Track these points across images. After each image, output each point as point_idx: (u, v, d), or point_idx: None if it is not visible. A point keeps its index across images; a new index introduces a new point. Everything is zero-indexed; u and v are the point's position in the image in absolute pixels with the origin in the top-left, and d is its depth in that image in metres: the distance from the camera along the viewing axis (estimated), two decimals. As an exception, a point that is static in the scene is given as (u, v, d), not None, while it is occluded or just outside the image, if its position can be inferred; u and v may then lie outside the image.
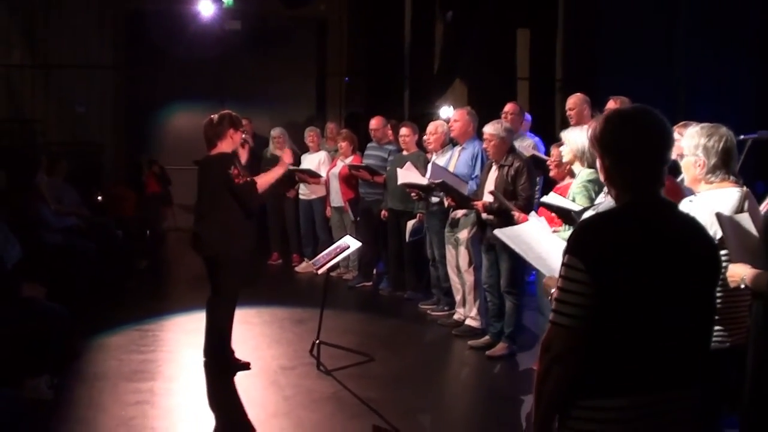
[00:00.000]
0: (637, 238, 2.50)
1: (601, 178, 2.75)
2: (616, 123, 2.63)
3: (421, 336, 8.23)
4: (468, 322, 8.09)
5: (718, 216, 3.61)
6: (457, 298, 8.34)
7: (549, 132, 13.06)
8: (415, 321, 8.69)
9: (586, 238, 2.53)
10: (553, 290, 3.52)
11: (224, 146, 6.67)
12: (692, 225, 2.67)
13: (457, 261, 8.13)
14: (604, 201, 3.62)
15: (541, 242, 4.41)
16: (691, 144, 4.03)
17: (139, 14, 14.17)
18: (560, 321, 2.51)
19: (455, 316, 8.37)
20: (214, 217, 6.59)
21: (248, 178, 6.64)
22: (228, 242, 6.58)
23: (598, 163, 2.75)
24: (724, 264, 3.67)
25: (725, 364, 3.86)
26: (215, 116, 6.75)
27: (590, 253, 2.47)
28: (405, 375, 6.92)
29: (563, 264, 2.53)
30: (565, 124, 9.01)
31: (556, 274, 3.80)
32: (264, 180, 6.83)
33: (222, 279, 6.67)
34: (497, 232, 4.89)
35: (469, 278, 8.04)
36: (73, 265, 8.73)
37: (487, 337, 7.56)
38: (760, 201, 4.74)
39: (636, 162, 2.58)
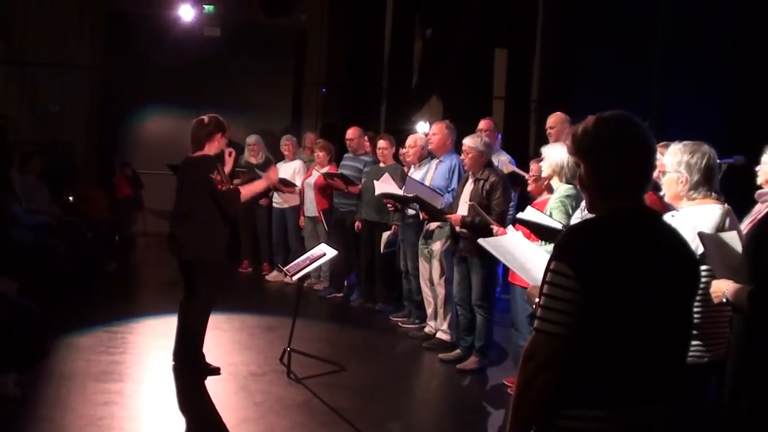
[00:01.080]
0: (626, 245, 2.49)
1: (579, 185, 2.73)
2: (600, 126, 2.60)
3: (391, 348, 8.22)
4: (439, 335, 8.10)
5: (701, 235, 3.65)
6: (429, 311, 8.36)
7: (522, 151, 13.19)
8: (386, 333, 8.68)
9: (574, 244, 2.51)
10: (537, 299, 3.55)
11: (210, 148, 6.65)
12: (675, 236, 2.67)
13: (430, 274, 8.15)
14: (583, 216, 3.65)
15: (524, 252, 4.43)
16: (673, 161, 4.08)
17: (119, 15, 14.10)
18: (546, 328, 2.47)
19: (426, 329, 8.38)
20: (194, 219, 6.56)
21: (232, 186, 6.62)
22: (207, 246, 6.56)
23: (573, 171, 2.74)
24: (705, 279, 3.71)
25: (704, 378, 3.90)
26: (205, 117, 6.73)
27: (579, 259, 2.45)
28: (375, 385, 6.90)
29: (550, 270, 2.50)
30: (539, 144, 9.08)
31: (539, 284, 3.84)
32: (248, 190, 6.83)
33: (200, 283, 6.63)
34: (481, 241, 4.91)
35: (441, 291, 8.06)
36: (42, 262, 8.64)
37: (458, 351, 7.56)
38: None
39: (621, 165, 2.56)
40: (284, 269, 7.36)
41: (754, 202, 4.91)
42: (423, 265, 8.26)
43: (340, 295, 10.17)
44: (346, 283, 10.31)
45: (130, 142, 14.75)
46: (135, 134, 14.89)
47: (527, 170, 6.90)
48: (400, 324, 8.84)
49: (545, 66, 14.38)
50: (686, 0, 11.98)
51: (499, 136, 9.78)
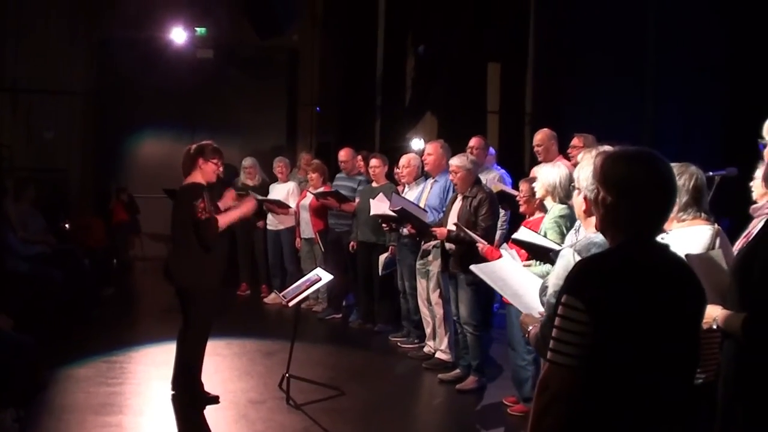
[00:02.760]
0: (635, 279, 2.54)
1: (594, 207, 2.77)
2: (627, 160, 2.65)
3: (391, 369, 8.20)
4: (438, 355, 8.09)
5: (687, 257, 3.63)
6: (428, 330, 8.35)
7: (518, 165, 13.19)
8: (386, 353, 8.67)
9: (585, 278, 2.56)
10: (530, 328, 3.54)
11: (196, 176, 6.63)
12: (682, 266, 2.72)
13: (428, 293, 8.15)
14: (580, 239, 3.63)
15: (516, 278, 4.43)
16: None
17: (111, 41, 14.14)
18: (559, 360, 2.53)
19: (425, 349, 8.37)
20: (185, 247, 6.54)
21: (210, 215, 6.55)
22: (199, 273, 6.53)
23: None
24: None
25: (697, 400, 3.88)
26: (191, 146, 6.74)
27: (589, 293, 2.50)
28: (375, 409, 6.88)
29: (562, 303, 2.56)
30: (535, 157, 9.10)
31: (533, 311, 3.84)
32: (226, 219, 6.71)
33: (193, 310, 6.62)
34: (473, 268, 4.90)
35: (439, 311, 8.05)
36: (39, 293, 8.62)
37: (457, 371, 7.55)
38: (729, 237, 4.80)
39: (644, 202, 2.61)
40: (281, 295, 7.33)
41: (747, 215, 4.88)
42: (420, 285, 8.25)
43: (339, 316, 10.16)
44: (344, 303, 10.30)
45: (125, 167, 14.76)
46: (130, 159, 14.90)
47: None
48: (399, 344, 8.84)
49: (538, 79, 14.41)
50: (678, 11, 11.98)
51: (492, 151, 9.82)
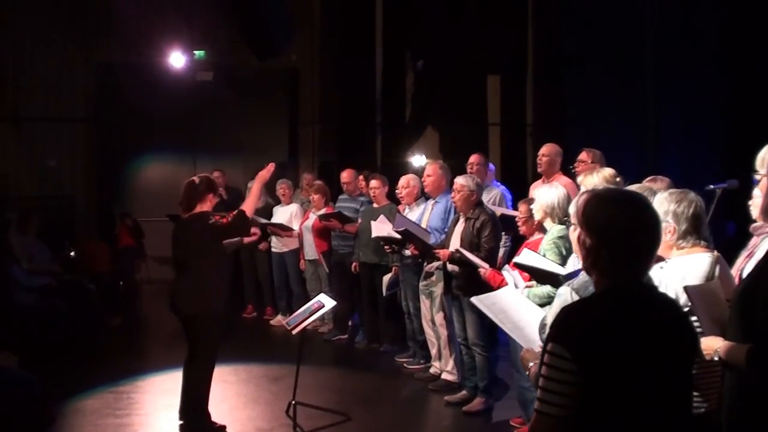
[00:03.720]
0: (622, 325, 2.50)
1: (579, 256, 2.75)
2: (609, 204, 2.62)
3: (397, 391, 8.21)
4: (444, 376, 8.09)
5: (686, 289, 3.63)
6: (433, 351, 8.35)
7: (520, 177, 13.21)
8: (392, 375, 8.67)
9: (571, 325, 2.52)
10: (531, 364, 3.54)
11: (200, 208, 6.68)
12: (672, 307, 2.71)
13: (432, 314, 8.15)
14: (578, 278, 3.64)
15: (518, 310, 4.42)
16: (660, 210, 4.05)
17: (110, 67, 14.20)
18: (546, 410, 2.50)
19: (431, 370, 8.37)
20: (191, 275, 6.57)
21: (233, 213, 6.66)
22: (204, 302, 6.55)
23: (574, 236, 2.74)
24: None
25: (702, 429, 3.87)
26: (196, 178, 6.76)
27: (575, 341, 2.47)
28: (382, 434, 6.90)
29: (547, 351, 2.52)
30: (536, 169, 9.10)
31: (534, 346, 3.84)
32: (250, 201, 6.82)
33: (199, 339, 6.63)
34: (474, 300, 4.91)
35: (444, 332, 8.05)
36: (45, 326, 8.65)
37: (464, 392, 7.55)
38: (733, 244, 4.79)
39: (625, 247, 2.58)
40: (285, 322, 7.34)
41: (748, 229, 4.86)
42: (424, 305, 8.26)
43: (345, 336, 10.18)
44: (350, 323, 10.31)
45: (128, 191, 14.83)
46: (133, 183, 14.97)
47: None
48: (405, 365, 8.84)
49: (538, 90, 14.43)
50: (677, 21, 12.01)
51: (492, 167, 9.82)
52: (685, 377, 2.67)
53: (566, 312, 2.60)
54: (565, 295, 3.48)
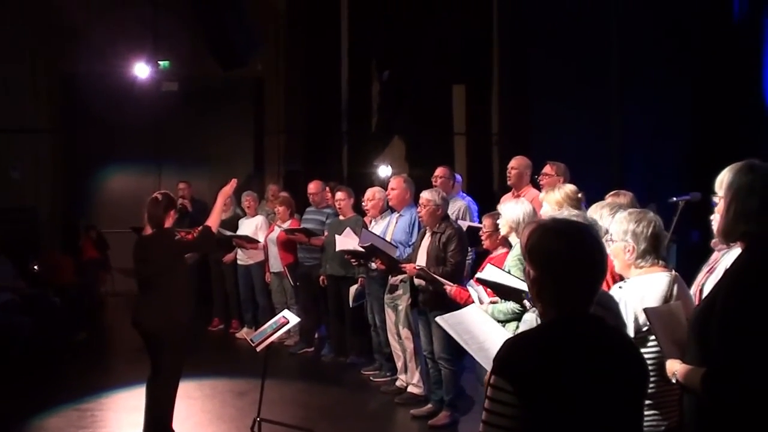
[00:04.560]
0: (566, 357, 2.47)
1: (527, 287, 2.75)
2: (552, 236, 2.60)
3: (363, 405, 8.18)
4: (410, 389, 8.09)
5: (646, 311, 3.66)
6: (399, 364, 8.35)
7: (486, 186, 13.27)
8: (358, 389, 8.65)
9: (513, 358, 2.49)
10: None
11: (166, 225, 6.65)
12: (620, 338, 2.69)
13: (397, 327, 8.15)
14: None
15: (483, 330, 4.42)
16: (619, 229, 4.08)
17: (74, 77, 14.09)
18: None
19: (397, 383, 8.36)
20: (156, 293, 6.52)
21: (198, 229, 6.69)
22: (170, 319, 6.51)
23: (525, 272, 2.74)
24: (656, 350, 3.72)
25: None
26: (158, 195, 6.72)
27: (517, 374, 2.44)
28: (347, 450, 6.89)
29: (490, 384, 2.48)
30: (502, 178, 9.14)
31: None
32: (213, 218, 6.82)
33: (164, 357, 6.58)
34: (439, 319, 4.91)
35: (409, 345, 8.05)
36: (7, 343, 8.55)
37: (429, 406, 7.55)
38: (696, 253, 4.82)
39: (570, 279, 2.56)
40: (249, 339, 7.30)
41: (710, 239, 4.88)
42: (389, 318, 8.25)
43: (311, 349, 10.15)
44: (316, 336, 10.28)
45: (93, 203, 14.71)
46: (98, 194, 14.84)
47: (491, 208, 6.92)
48: (371, 378, 8.82)
49: (503, 99, 14.51)
50: (641, 33, 12.10)
51: (459, 178, 9.86)
52: (634, 408, 2.64)
53: (509, 344, 2.57)
54: (531, 322, 3.49)
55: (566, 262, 2.55)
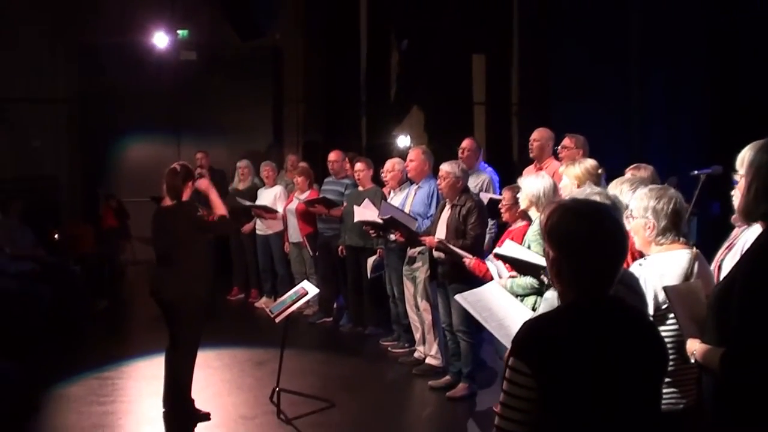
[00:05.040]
0: (584, 340, 2.47)
1: (548, 269, 2.74)
2: (571, 218, 2.58)
3: (381, 376, 8.22)
4: (428, 360, 8.11)
5: (665, 289, 3.64)
6: (417, 335, 8.37)
7: (506, 156, 13.22)
8: (376, 359, 8.69)
9: (532, 341, 2.49)
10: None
11: (184, 197, 6.66)
12: (640, 320, 2.67)
13: (415, 299, 8.16)
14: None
15: (503, 307, 4.41)
16: (640, 206, 4.06)
17: (93, 47, 14.06)
18: (505, 426, 2.47)
19: (416, 354, 8.39)
20: (175, 265, 6.55)
21: (217, 215, 6.77)
22: (186, 289, 6.54)
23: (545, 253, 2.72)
24: (674, 328, 3.71)
25: (680, 426, 3.89)
26: (177, 165, 6.72)
27: (536, 357, 2.43)
28: (365, 421, 6.92)
29: (508, 366, 2.49)
30: (522, 148, 9.10)
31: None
32: (219, 207, 6.86)
33: (181, 327, 6.63)
34: (458, 297, 4.90)
35: (428, 316, 8.07)
36: (27, 312, 8.62)
37: (447, 377, 7.57)
38: (717, 226, 4.79)
39: (589, 261, 2.54)
40: (268, 310, 7.33)
41: (731, 212, 4.85)
42: (408, 290, 8.27)
43: (330, 319, 10.18)
44: (335, 306, 10.31)
45: (113, 172, 14.71)
46: (117, 163, 14.84)
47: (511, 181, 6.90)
48: (389, 349, 8.86)
49: (523, 69, 14.43)
50: (662, 3, 11.98)
51: (480, 149, 9.83)
52: (652, 390, 2.63)
53: (528, 326, 2.57)
54: (552, 300, 3.47)
55: (586, 243, 2.54)
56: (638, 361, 2.55)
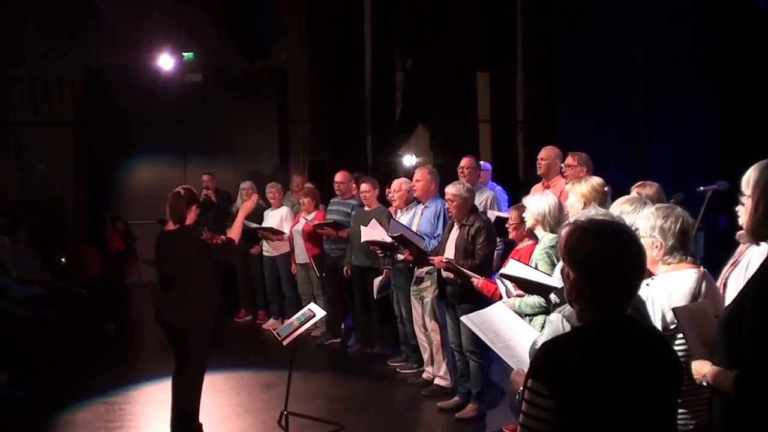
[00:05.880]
0: (603, 361, 2.48)
1: (565, 288, 2.72)
2: (591, 238, 2.58)
3: (390, 398, 8.18)
4: (437, 381, 8.07)
5: (674, 310, 3.61)
6: (425, 356, 8.33)
7: (512, 174, 13.20)
8: (385, 380, 8.65)
9: (550, 362, 2.50)
10: (520, 388, 3.51)
11: (188, 220, 6.64)
12: (656, 339, 2.68)
13: (423, 319, 8.12)
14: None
15: (509, 328, 4.39)
16: (647, 225, 4.03)
17: (99, 69, 14.14)
18: None
19: (424, 375, 8.35)
20: (180, 290, 6.52)
21: (222, 237, 6.69)
22: (193, 315, 6.51)
23: (560, 270, 2.71)
24: (684, 348, 3.67)
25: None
26: (180, 189, 6.70)
27: (554, 378, 2.44)
28: (374, 443, 6.89)
29: (527, 388, 2.50)
30: (528, 165, 9.08)
31: (524, 367, 3.81)
32: (235, 232, 6.84)
33: (188, 353, 6.59)
34: (464, 319, 4.88)
35: (436, 337, 8.02)
36: (35, 337, 8.61)
37: (456, 398, 7.52)
38: (724, 240, 4.74)
39: (610, 281, 2.55)
40: (276, 332, 7.30)
41: (737, 227, 4.81)
42: (415, 310, 8.23)
43: (338, 340, 10.15)
44: (343, 326, 10.27)
45: (119, 194, 14.73)
46: (123, 186, 14.87)
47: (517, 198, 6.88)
48: (398, 369, 8.82)
49: (528, 86, 14.43)
50: (665, 18, 11.97)
51: (489, 167, 9.84)
52: (669, 409, 2.65)
53: (546, 347, 2.58)
54: (557, 323, 3.46)
55: (607, 263, 2.55)
56: (656, 379, 2.56)
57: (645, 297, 3.79)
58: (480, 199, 8.23)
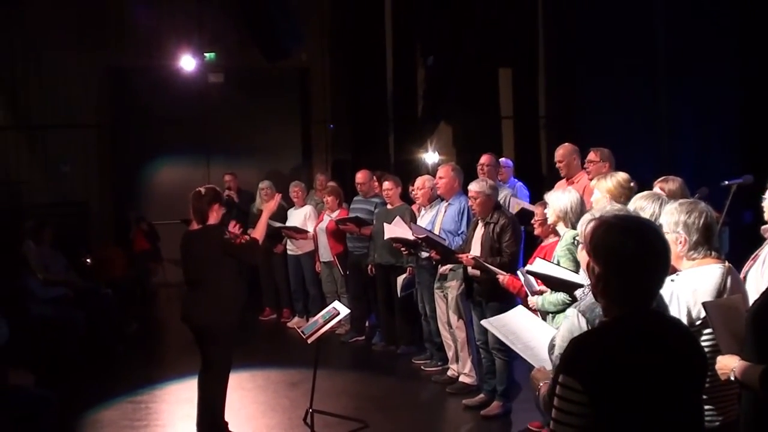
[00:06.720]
0: (632, 355, 2.50)
1: (590, 283, 2.73)
2: (618, 234, 2.60)
3: (415, 395, 8.18)
4: (462, 378, 8.05)
5: (704, 306, 3.58)
6: (450, 353, 8.31)
7: (535, 170, 13.16)
8: (409, 378, 8.64)
9: (581, 357, 2.53)
10: (541, 384, 3.50)
11: (212, 219, 6.65)
12: (682, 332, 2.70)
13: (448, 316, 8.10)
14: (585, 298, 3.59)
15: (528, 329, 4.39)
16: (670, 221, 4.00)
17: (121, 71, 14.23)
18: None
19: (449, 372, 8.33)
20: (205, 289, 6.54)
21: (246, 237, 6.72)
22: (217, 313, 6.53)
23: (582, 255, 2.72)
24: (711, 344, 3.65)
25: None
26: (202, 189, 6.71)
27: (586, 373, 2.47)
28: (400, 441, 6.89)
29: (559, 383, 2.53)
30: (551, 161, 9.04)
31: (546, 365, 3.80)
32: (259, 232, 6.86)
33: (214, 352, 6.62)
34: (484, 322, 4.89)
35: (461, 334, 8.00)
36: (61, 338, 8.66)
37: (482, 395, 7.51)
38: (749, 234, 4.71)
39: (636, 276, 2.58)
40: (300, 330, 7.31)
41: (762, 221, 4.78)
42: (440, 308, 8.21)
43: (362, 338, 10.17)
44: (367, 324, 10.28)
45: (143, 195, 14.83)
46: (147, 187, 14.96)
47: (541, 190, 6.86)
48: (422, 367, 8.81)
49: (550, 82, 14.38)
50: (689, 12, 11.87)
51: (510, 163, 9.82)
52: (696, 402, 2.68)
53: (576, 343, 2.61)
54: (573, 318, 3.44)
55: (633, 258, 2.56)
56: (683, 372, 2.59)
57: (669, 293, 3.76)
58: (499, 197, 8.19)
